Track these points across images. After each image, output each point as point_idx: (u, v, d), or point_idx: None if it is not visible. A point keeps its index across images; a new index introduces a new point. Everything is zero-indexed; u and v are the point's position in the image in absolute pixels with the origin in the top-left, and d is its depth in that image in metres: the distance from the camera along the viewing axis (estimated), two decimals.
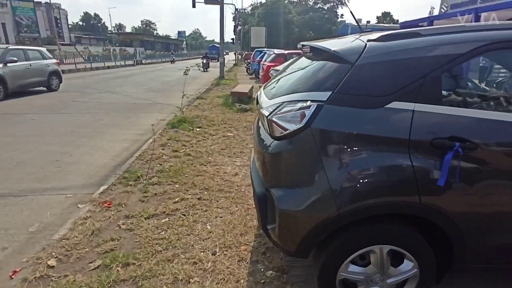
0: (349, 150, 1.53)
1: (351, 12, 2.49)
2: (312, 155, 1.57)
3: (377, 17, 62.56)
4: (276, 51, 12.00)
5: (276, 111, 1.68)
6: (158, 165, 4.16)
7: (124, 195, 3.34)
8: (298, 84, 1.79)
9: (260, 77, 12.43)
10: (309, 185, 1.58)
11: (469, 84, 1.97)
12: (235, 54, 43.99)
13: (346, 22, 56.25)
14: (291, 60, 2.71)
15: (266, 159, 1.75)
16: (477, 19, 16.49)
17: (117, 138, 5.63)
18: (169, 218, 2.90)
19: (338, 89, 1.53)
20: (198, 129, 6.02)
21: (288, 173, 1.66)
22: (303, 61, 2.13)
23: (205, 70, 22.11)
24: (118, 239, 2.55)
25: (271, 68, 7.64)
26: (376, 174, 1.51)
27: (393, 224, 1.62)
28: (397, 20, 64.26)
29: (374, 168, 1.51)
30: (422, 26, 25.09)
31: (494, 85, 1.68)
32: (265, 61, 11.36)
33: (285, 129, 1.61)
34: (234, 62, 39.84)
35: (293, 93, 1.70)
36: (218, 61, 18.77)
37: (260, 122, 2.16)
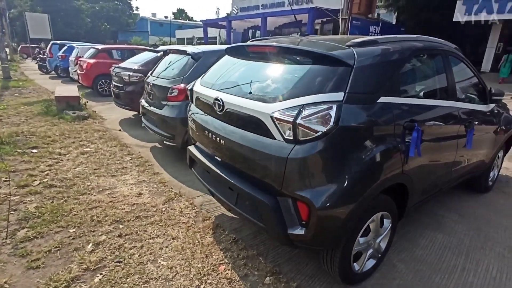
0: (364, 141, 1.76)
1: (294, 14, 2.63)
2: (341, 151, 1.69)
3: (173, 13, 64.43)
4: (96, 46, 10.21)
5: (301, 115, 1.64)
6: (13, 212, 2.86)
7: None
8: (298, 85, 1.80)
9: (75, 76, 10.26)
10: (342, 178, 1.69)
11: (415, 80, 2.57)
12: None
13: (142, 15, 54.62)
14: (224, 59, 2.57)
15: (286, 165, 1.68)
16: (265, 21, 20.23)
17: None
18: (102, 274, 2.15)
19: (349, 89, 1.70)
20: (34, 151, 4.44)
21: (321, 172, 1.69)
22: (265, 60, 2.12)
23: None
24: None
25: (114, 65, 6.52)
26: (384, 157, 1.83)
27: (383, 195, 2.00)
28: (192, 18, 68.77)
29: (382, 152, 1.81)
30: (221, 24, 27.72)
31: (426, 81, 2.37)
32: (84, 57, 9.46)
33: (316, 131, 1.62)
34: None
35: (302, 95, 1.71)
36: None
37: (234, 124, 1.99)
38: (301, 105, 1.67)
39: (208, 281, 2.13)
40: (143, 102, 4.69)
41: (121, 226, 2.73)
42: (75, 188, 3.38)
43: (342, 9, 13.96)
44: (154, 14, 57.73)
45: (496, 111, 3.16)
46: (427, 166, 2.26)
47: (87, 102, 7.71)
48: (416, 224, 2.94)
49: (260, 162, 1.85)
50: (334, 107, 1.64)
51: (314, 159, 1.66)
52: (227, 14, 49.24)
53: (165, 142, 4.09)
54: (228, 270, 2.25)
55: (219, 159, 2.21)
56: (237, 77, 2.23)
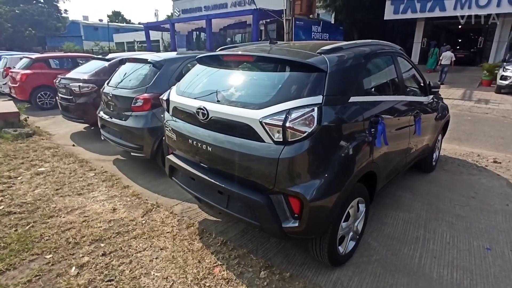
0: (342, 137, 1.99)
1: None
2: (324, 148, 1.89)
3: (108, 16, 60.60)
4: (30, 55, 9.25)
5: (288, 118, 1.79)
6: None
7: None
8: (281, 91, 1.96)
9: (6, 89, 9.24)
10: (328, 172, 1.89)
11: (375, 79, 2.82)
12: None
13: (72, 19, 50.50)
14: (197, 68, 2.63)
15: (278, 165, 1.83)
16: (209, 23, 20.14)
17: None
18: None
19: (326, 92, 1.91)
20: None
21: (309, 168, 1.87)
22: (240, 68, 2.25)
23: None
24: None
25: (59, 76, 6.03)
26: (359, 149, 2.08)
27: (358, 183, 2.26)
28: (129, 20, 65.39)
29: (357, 145, 2.06)
30: (164, 27, 26.85)
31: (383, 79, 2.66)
32: (16, 68, 8.53)
33: (304, 132, 1.79)
34: None
35: (286, 100, 1.87)
36: None
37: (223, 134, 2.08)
38: (287, 109, 1.83)
39: (207, 284, 2.20)
40: (101, 114, 4.48)
41: (102, 245, 2.64)
42: (39, 212, 3.15)
43: (285, 10, 14.57)
44: (86, 17, 53.63)
45: (434, 101, 3.68)
46: (389, 153, 2.58)
47: (27, 117, 7.03)
48: (380, 206, 3.30)
49: (250, 165, 1.97)
50: (316, 109, 1.83)
51: (303, 157, 1.83)
52: (168, 16, 47.85)
53: (132, 154, 3.98)
54: (223, 271, 2.33)
55: (206, 166, 2.28)
56: (218, 85, 2.31)
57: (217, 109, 2.09)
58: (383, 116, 2.35)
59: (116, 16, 60.15)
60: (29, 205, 3.28)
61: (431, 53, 15.20)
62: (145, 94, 3.73)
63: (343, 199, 2.04)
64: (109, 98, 4.21)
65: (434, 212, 3.22)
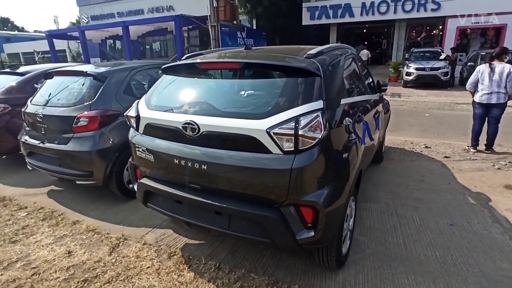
0: (343, 139, 2.00)
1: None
2: (332, 152, 1.86)
3: None
4: None
5: (299, 126, 1.70)
6: None
7: None
8: (281, 99, 1.86)
9: None
10: (337, 176, 1.86)
11: (351, 81, 2.80)
12: None
13: None
14: (168, 78, 2.35)
15: (291, 175, 1.73)
16: (126, 30, 18.85)
17: None
18: None
19: (325, 97, 1.88)
20: None
21: (322, 175, 1.80)
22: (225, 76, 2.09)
23: None
24: None
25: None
26: (355, 149, 2.12)
27: None
28: (22, 28, 56.91)
29: (353, 145, 2.10)
30: (71, 35, 24.32)
31: (354, 80, 2.79)
32: None
33: (314, 139, 1.72)
34: None
35: (287, 108, 1.78)
36: None
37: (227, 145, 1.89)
38: (294, 117, 1.74)
39: None
40: (26, 138, 3.71)
41: None
42: None
43: (209, 16, 14.46)
44: None
45: (382, 98, 4.03)
46: (366, 150, 2.71)
47: None
48: None
49: (256, 179, 1.82)
50: (321, 114, 1.79)
51: (315, 164, 1.77)
52: (72, 23, 42.86)
53: (77, 182, 3.37)
54: None
55: (198, 186, 2.04)
56: (204, 97, 2.09)
57: (210, 123, 1.88)
58: (362, 115, 2.45)
59: (4, 23, 51.58)
60: None
61: None
62: (91, 112, 3.21)
63: (348, 200, 2.04)
64: (37, 119, 3.51)
65: (398, 199, 3.50)
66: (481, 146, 5.05)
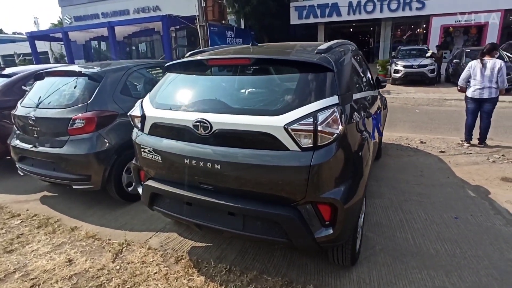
0: (357, 134, 1.97)
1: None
2: (349, 147, 1.82)
3: None
4: None
5: (317, 121, 1.66)
6: None
7: None
8: (296, 94, 1.82)
9: None
10: (354, 171, 1.84)
11: (358, 76, 2.75)
12: None
13: None
14: (173, 76, 2.26)
15: (310, 172, 1.68)
16: (112, 30, 18.50)
17: None
18: None
19: (340, 92, 1.84)
20: None
21: (340, 171, 1.77)
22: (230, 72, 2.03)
23: None
24: None
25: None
26: (368, 143, 2.11)
27: None
28: (0, 29, 55.05)
29: (367, 140, 2.09)
30: (54, 36, 23.71)
31: (361, 76, 2.77)
32: None
33: (333, 134, 1.69)
34: None
35: (303, 104, 1.74)
36: None
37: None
38: (312, 112, 1.70)
39: None
40: (17, 142, 3.54)
41: None
42: None
43: (198, 16, 14.31)
44: None
45: (380, 94, 4.04)
46: (374, 145, 2.70)
47: None
48: None
49: (273, 177, 1.77)
50: (338, 109, 1.75)
51: (334, 160, 1.73)
52: (54, 24, 41.65)
53: (74, 187, 3.24)
54: None
55: (210, 186, 1.97)
56: (215, 94, 2.02)
57: (223, 120, 1.81)
58: (372, 110, 2.44)
59: None
60: None
61: None
62: (87, 113, 3.08)
63: (364, 196, 2.02)
64: (28, 122, 3.35)
65: (401, 194, 3.52)
66: (474, 141, 5.15)
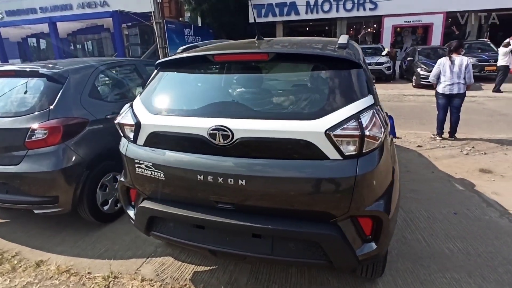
0: (389, 137, 1.78)
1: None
2: (388, 153, 1.64)
3: None
4: None
5: (363, 125, 1.43)
6: None
7: None
8: (332, 94, 1.59)
9: None
10: (393, 178, 1.66)
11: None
12: None
13: None
14: (171, 75, 1.89)
15: (356, 183, 1.46)
16: (53, 27, 16.87)
17: None
18: None
19: (371, 91, 1.65)
20: None
21: (384, 180, 1.58)
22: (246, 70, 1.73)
23: None
24: None
25: None
26: (393, 144, 1.93)
27: None
28: None
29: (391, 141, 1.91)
30: None
31: None
32: None
33: (378, 139, 1.48)
34: None
35: (341, 106, 1.52)
36: None
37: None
38: (355, 114, 1.47)
39: None
40: None
41: None
42: None
43: (153, 12, 13.48)
44: None
45: None
46: None
47: None
48: None
49: (311, 191, 1.52)
50: (377, 110, 1.56)
51: (379, 169, 1.53)
52: None
53: (36, 211, 2.66)
54: None
55: (231, 206, 1.66)
56: (229, 95, 1.70)
57: (248, 127, 1.51)
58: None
59: None
60: None
61: None
62: (50, 121, 2.54)
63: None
64: None
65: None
66: (445, 134, 5.39)
